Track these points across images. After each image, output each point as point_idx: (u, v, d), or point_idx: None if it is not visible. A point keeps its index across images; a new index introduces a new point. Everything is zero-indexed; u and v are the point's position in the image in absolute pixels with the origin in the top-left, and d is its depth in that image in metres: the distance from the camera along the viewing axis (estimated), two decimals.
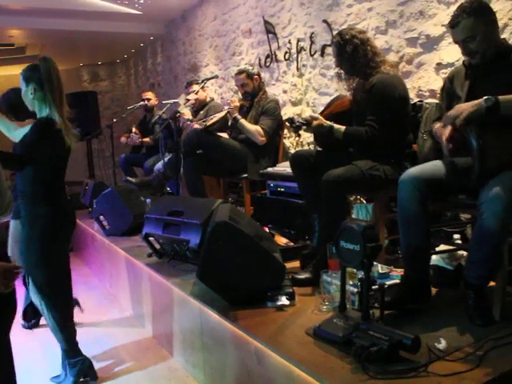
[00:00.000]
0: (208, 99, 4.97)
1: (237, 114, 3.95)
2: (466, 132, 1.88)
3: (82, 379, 2.48)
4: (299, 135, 2.65)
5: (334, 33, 3.47)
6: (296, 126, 2.60)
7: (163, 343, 2.94)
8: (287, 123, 2.68)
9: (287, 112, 4.74)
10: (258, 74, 4.06)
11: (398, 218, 2.13)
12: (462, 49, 2.12)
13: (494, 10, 2.15)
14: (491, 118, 1.87)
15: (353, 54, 2.62)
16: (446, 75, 2.38)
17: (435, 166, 2.14)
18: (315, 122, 2.60)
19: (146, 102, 5.70)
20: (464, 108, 1.92)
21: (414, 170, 2.12)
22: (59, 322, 2.47)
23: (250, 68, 4.04)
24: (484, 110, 1.87)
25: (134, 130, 5.70)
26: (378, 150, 2.58)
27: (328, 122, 2.62)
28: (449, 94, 2.27)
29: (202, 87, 4.51)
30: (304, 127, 2.61)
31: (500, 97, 1.88)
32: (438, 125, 2.18)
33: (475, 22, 2.03)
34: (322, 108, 3.29)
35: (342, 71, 2.75)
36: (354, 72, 2.68)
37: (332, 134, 2.62)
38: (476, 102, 1.91)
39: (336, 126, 2.62)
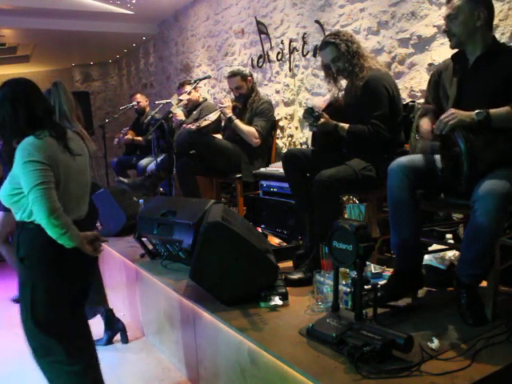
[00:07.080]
0: (201, 99, 4.96)
1: (231, 115, 3.93)
2: (454, 135, 1.88)
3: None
4: (316, 126, 2.59)
5: (327, 33, 3.45)
6: (317, 116, 2.57)
7: (156, 344, 2.94)
8: (306, 113, 2.61)
9: (280, 112, 4.74)
10: (251, 75, 4.05)
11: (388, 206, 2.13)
12: (445, 25, 2.15)
13: None
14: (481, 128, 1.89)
15: (353, 54, 2.61)
16: (434, 68, 2.37)
17: (424, 158, 2.15)
18: (321, 120, 2.59)
19: (136, 105, 5.72)
20: (456, 115, 1.91)
21: (402, 159, 2.13)
22: None
23: (243, 69, 4.01)
24: (475, 124, 1.88)
25: (127, 133, 5.69)
26: (370, 150, 2.59)
27: (332, 121, 2.62)
28: (436, 87, 2.26)
29: (195, 87, 4.50)
30: (322, 120, 2.58)
31: (491, 110, 1.89)
32: (422, 121, 2.18)
33: (464, 4, 2.04)
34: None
35: (333, 73, 2.72)
36: (350, 73, 2.64)
37: (337, 132, 2.63)
38: (468, 113, 1.90)
39: (340, 124, 2.62)
